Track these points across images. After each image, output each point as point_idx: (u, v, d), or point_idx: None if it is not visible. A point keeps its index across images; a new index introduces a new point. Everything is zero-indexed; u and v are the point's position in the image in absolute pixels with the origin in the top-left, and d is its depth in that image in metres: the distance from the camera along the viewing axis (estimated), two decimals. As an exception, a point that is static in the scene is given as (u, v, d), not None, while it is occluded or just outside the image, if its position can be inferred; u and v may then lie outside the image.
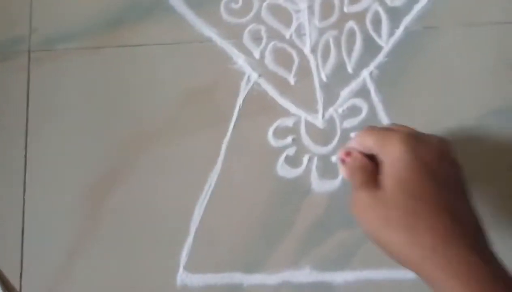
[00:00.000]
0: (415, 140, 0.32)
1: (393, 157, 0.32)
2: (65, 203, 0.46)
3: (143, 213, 0.46)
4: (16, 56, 0.48)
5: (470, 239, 0.30)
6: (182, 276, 0.44)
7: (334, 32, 0.48)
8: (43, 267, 0.45)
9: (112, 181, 0.46)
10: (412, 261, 0.31)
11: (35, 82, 0.48)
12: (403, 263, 0.31)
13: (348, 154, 0.35)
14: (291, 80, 0.47)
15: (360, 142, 0.35)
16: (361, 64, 0.47)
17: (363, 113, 0.46)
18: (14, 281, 0.45)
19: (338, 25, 0.48)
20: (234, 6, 0.48)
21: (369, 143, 0.34)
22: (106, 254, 0.45)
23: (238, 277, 0.44)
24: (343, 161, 0.35)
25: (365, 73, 0.47)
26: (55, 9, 0.49)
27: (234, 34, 0.48)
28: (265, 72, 0.47)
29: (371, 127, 0.35)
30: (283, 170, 0.46)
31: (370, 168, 0.34)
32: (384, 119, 0.46)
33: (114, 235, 0.45)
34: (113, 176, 0.46)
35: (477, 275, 0.29)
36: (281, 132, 0.46)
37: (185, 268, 0.44)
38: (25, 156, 0.47)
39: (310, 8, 0.48)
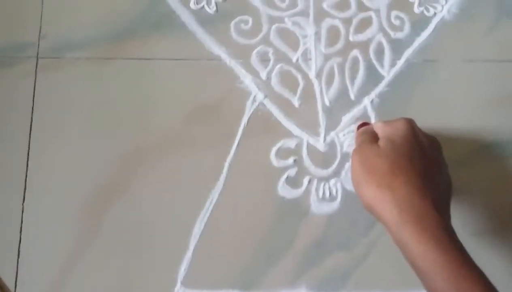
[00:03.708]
0: (415, 125, 0.41)
1: (395, 128, 0.39)
2: (64, 213, 0.46)
3: (142, 227, 0.46)
4: (24, 61, 0.48)
5: (436, 200, 0.36)
6: (179, 291, 0.44)
7: (338, 59, 0.49)
8: (38, 276, 0.44)
9: (112, 193, 0.46)
10: (382, 204, 0.36)
11: (41, 89, 0.48)
12: (373, 205, 0.37)
13: (365, 123, 0.44)
14: (296, 102, 0.48)
15: (371, 126, 0.43)
16: (363, 91, 0.49)
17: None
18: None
19: (343, 52, 0.49)
20: (244, 27, 0.49)
21: (378, 124, 0.41)
22: (103, 265, 0.45)
23: (235, 295, 0.45)
24: (358, 127, 0.44)
25: (366, 101, 0.49)
26: (66, 16, 0.49)
27: (242, 54, 0.49)
28: (270, 93, 0.48)
29: None
30: (284, 190, 0.47)
31: (375, 135, 0.41)
32: (383, 146, 0.47)
33: (112, 247, 0.45)
34: (114, 188, 0.46)
35: (437, 227, 0.34)
36: (283, 153, 0.47)
37: (182, 283, 0.45)
38: (27, 163, 0.46)
39: (317, 34, 0.50)
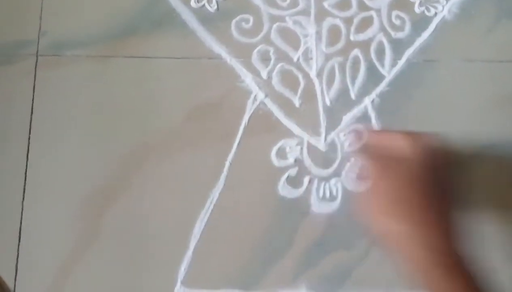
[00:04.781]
0: (430, 146, 0.37)
1: (421, 154, 0.36)
2: (64, 212, 0.45)
3: (142, 226, 0.45)
4: (24, 59, 0.48)
5: (454, 231, 0.34)
6: (179, 291, 0.44)
7: (339, 59, 0.49)
8: (38, 275, 0.44)
9: (112, 192, 0.46)
10: (409, 242, 0.34)
11: (41, 87, 0.47)
12: (396, 241, 0.34)
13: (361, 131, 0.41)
14: (296, 102, 0.48)
15: (383, 138, 0.39)
16: (364, 91, 0.49)
17: (364, 139, 0.48)
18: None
19: (344, 52, 0.49)
20: (245, 25, 0.49)
21: (397, 142, 0.37)
22: (103, 265, 0.45)
23: (235, 294, 0.45)
24: (359, 137, 0.41)
25: (367, 101, 0.49)
26: (66, 14, 0.49)
27: (243, 53, 0.49)
28: (271, 93, 0.48)
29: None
30: (284, 190, 0.46)
31: (387, 160, 0.36)
32: (384, 146, 0.48)
33: (112, 246, 0.45)
34: (113, 187, 0.46)
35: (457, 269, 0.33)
36: (284, 153, 0.47)
37: (182, 282, 0.45)
38: (26, 162, 0.46)
39: (318, 34, 0.49)
